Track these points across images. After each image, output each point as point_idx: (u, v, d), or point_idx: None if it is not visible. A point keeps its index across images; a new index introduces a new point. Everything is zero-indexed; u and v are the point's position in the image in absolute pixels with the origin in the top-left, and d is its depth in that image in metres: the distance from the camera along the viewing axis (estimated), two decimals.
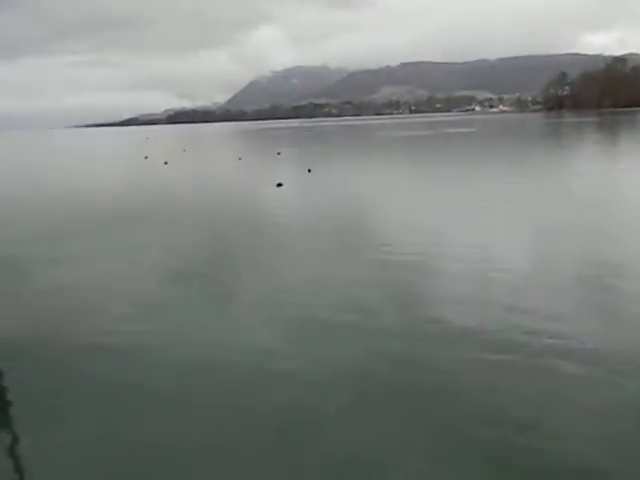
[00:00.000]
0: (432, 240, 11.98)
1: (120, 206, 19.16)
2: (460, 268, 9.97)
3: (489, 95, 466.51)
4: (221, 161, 40.59)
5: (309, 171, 28.49)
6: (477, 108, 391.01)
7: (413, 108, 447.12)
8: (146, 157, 44.69)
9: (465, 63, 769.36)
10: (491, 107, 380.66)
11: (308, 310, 8.14)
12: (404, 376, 6.12)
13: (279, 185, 21.73)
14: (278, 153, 41.77)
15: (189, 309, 8.39)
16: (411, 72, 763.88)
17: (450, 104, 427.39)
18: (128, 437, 5.13)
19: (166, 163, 37.51)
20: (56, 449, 5.01)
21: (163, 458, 4.81)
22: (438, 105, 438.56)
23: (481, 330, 7.08)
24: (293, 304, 8.41)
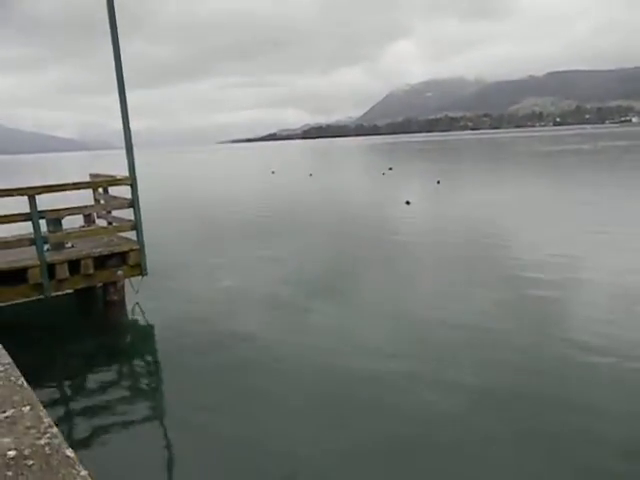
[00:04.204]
0: (571, 274, 10.21)
1: (260, 217, 19.79)
2: (601, 300, 8.43)
3: None
4: (356, 175, 40.70)
5: (438, 182, 27.42)
6: (635, 119, 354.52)
7: (558, 120, 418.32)
8: (273, 172, 46.20)
9: (621, 70, 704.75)
10: None
11: (435, 327, 7.87)
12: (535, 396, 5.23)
13: (407, 203, 20.77)
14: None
15: (320, 317, 8.61)
16: (557, 82, 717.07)
17: (601, 115, 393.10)
18: (257, 437, 5.20)
19: (311, 175, 39.39)
20: (191, 439, 5.20)
21: (292, 463, 4.78)
22: (587, 116, 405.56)
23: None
24: (418, 319, 8.25)
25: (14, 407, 1.10)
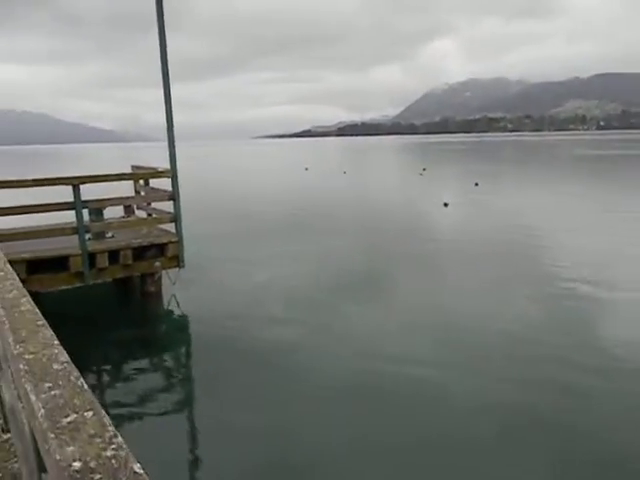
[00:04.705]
0: (617, 284, 9.83)
1: (293, 213, 19.87)
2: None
3: None
4: (392, 174, 40.40)
5: (476, 184, 27.19)
6: None
7: (602, 124, 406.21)
8: (306, 168, 46.17)
9: None
10: None
11: (469, 332, 7.71)
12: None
13: (445, 205, 20.45)
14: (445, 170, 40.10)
15: (352, 316, 8.62)
16: (603, 84, 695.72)
17: None
18: (285, 428, 5.27)
19: (345, 173, 39.47)
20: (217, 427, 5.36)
21: (317, 454, 4.86)
22: (633, 120, 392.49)
23: None
24: (453, 323, 8.10)
25: (76, 412, 1.06)
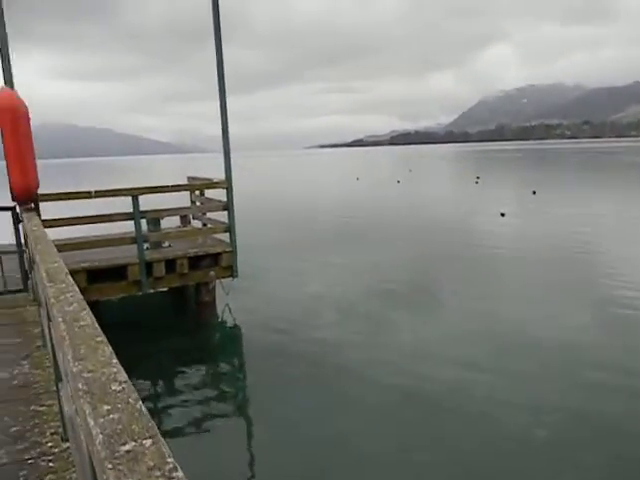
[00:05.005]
0: None
1: (345, 223, 19.85)
2: None
3: None
4: (446, 183, 39.75)
5: (534, 193, 26.47)
6: None
7: None
8: (357, 178, 45.99)
9: None
10: None
11: (523, 345, 7.51)
12: None
13: (502, 215, 19.84)
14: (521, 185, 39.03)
15: (403, 326, 8.61)
16: None
17: None
18: (335, 436, 5.29)
19: (399, 182, 39.11)
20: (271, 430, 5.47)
21: (367, 465, 4.82)
22: None
23: None
24: (506, 335, 7.91)
25: (134, 439, 1.00)
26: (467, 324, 8.40)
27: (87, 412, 1.13)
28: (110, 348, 1.48)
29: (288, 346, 7.72)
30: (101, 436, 1.02)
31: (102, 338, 1.55)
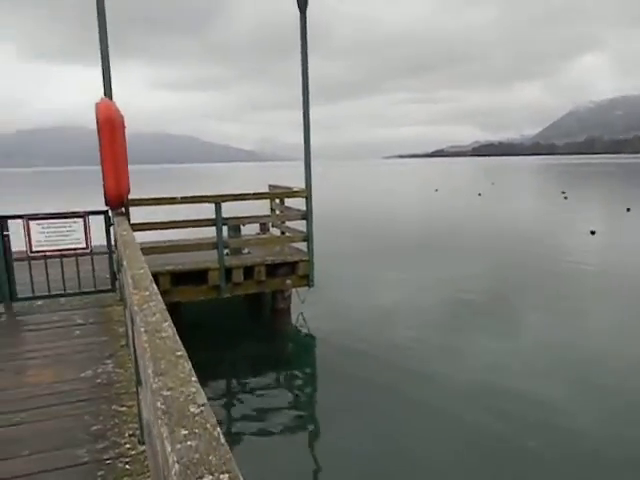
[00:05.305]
0: None
1: (422, 235, 19.63)
2: None
3: None
4: (531, 197, 38.14)
5: (628, 210, 25.10)
6: None
7: None
8: (436, 190, 45.01)
9: None
10: None
11: (606, 369, 7.20)
12: None
13: (592, 233, 18.67)
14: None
15: (477, 340, 8.47)
16: None
17: None
18: (403, 448, 5.29)
19: (480, 195, 38.21)
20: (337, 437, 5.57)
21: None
22: None
23: None
24: (589, 362, 7.50)
25: (211, 473, 0.94)
26: (548, 342, 8.07)
27: (164, 435, 1.09)
28: (189, 364, 1.45)
29: (361, 357, 7.70)
30: (177, 465, 0.97)
31: (182, 352, 1.53)
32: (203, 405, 1.20)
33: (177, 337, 1.68)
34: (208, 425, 1.11)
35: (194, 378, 1.35)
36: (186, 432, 1.09)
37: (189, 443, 1.05)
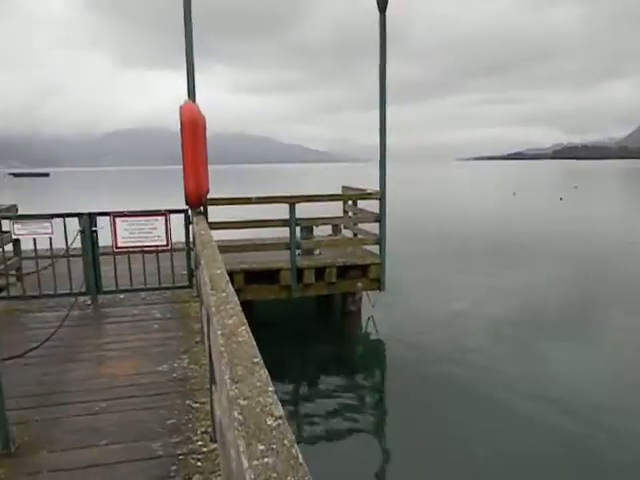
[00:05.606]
0: None
1: (497, 240, 18.93)
2: None
3: None
4: (622, 205, 35.88)
5: None
6: None
7: None
8: (514, 193, 43.23)
9: None
10: None
11: None
12: None
13: None
14: None
15: (552, 353, 8.08)
16: None
17: None
18: (472, 464, 5.15)
19: (561, 199, 36.42)
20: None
21: None
22: None
23: None
24: None
25: None
26: (628, 365, 7.52)
27: (241, 449, 1.06)
28: (266, 372, 1.42)
29: (430, 365, 7.55)
30: None
31: (259, 359, 1.50)
32: (280, 418, 1.16)
33: (254, 342, 1.65)
34: (286, 441, 1.06)
35: (271, 388, 1.32)
36: (263, 447, 1.05)
37: (266, 460, 1.00)
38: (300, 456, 1.02)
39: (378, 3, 7.89)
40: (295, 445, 1.06)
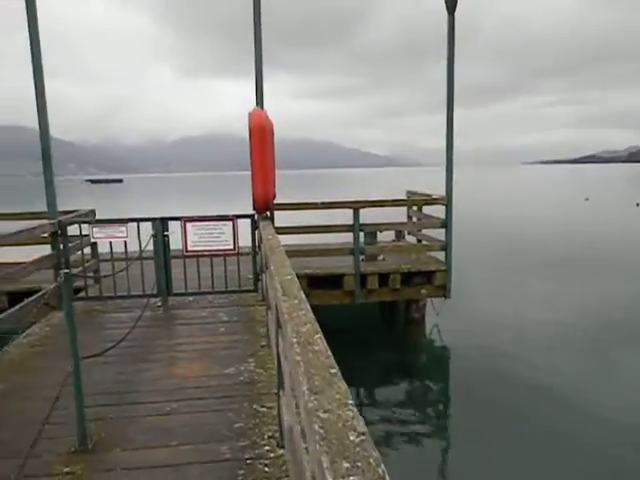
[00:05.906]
0: None
1: (568, 248, 18.20)
2: None
3: None
4: None
5: None
6: None
7: None
8: (586, 199, 41.15)
9: None
10: None
11: None
12: None
13: None
14: None
15: (625, 367, 7.79)
16: None
17: None
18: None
19: (638, 205, 34.45)
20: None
21: None
22: None
23: None
24: None
25: None
26: None
27: (325, 465, 1.02)
28: (345, 384, 1.38)
29: (497, 375, 7.34)
30: None
31: (336, 370, 1.46)
32: (363, 434, 1.12)
33: (329, 352, 1.62)
34: (371, 460, 1.02)
35: (351, 401, 1.28)
36: (348, 465, 1.00)
37: (352, 479, 0.96)
38: (387, 477, 0.97)
39: (447, 4, 7.72)
40: (381, 464, 1.01)
